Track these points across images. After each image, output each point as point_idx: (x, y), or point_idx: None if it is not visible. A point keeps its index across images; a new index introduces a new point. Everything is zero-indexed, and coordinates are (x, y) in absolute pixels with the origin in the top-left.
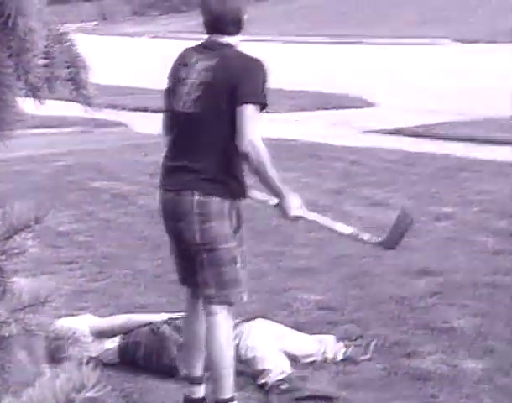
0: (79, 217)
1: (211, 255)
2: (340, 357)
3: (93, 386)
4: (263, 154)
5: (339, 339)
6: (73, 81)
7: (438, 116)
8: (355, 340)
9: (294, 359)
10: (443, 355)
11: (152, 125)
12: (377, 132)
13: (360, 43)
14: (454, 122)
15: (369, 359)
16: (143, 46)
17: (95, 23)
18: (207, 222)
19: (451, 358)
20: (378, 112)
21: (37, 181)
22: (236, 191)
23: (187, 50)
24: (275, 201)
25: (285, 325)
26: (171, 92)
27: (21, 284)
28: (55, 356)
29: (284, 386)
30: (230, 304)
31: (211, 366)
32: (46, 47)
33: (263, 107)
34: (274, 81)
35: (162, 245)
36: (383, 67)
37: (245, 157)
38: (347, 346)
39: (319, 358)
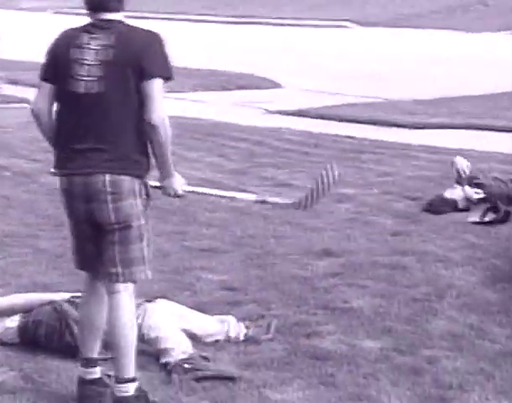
0: None
1: (123, 233)
2: (241, 337)
3: None
4: (169, 129)
5: (241, 319)
6: None
7: (341, 98)
8: (256, 320)
9: (196, 339)
10: (342, 335)
11: None
12: (281, 112)
13: (265, 23)
14: (356, 104)
15: (271, 339)
16: (46, 21)
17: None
18: (120, 200)
19: (351, 338)
20: (282, 92)
21: None
22: (146, 168)
23: (73, 30)
24: (157, 183)
25: (188, 305)
26: (63, 74)
27: None
28: None
29: (186, 365)
30: (134, 282)
31: (113, 345)
32: None
33: (168, 79)
34: (179, 60)
35: (64, 224)
36: (287, 48)
37: (153, 131)
38: (248, 327)
39: (221, 337)
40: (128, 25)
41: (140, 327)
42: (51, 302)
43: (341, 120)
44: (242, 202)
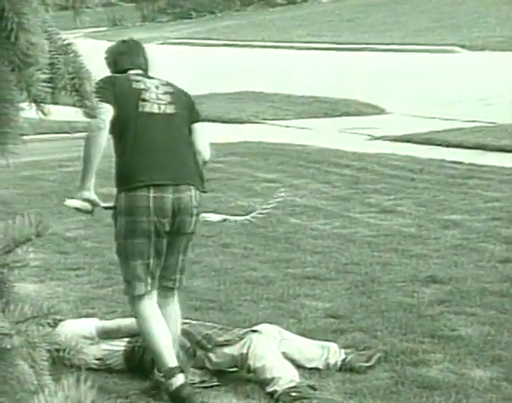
0: (86, 223)
1: (188, 241)
2: (339, 363)
3: None
4: None
5: (346, 347)
6: (77, 92)
7: (447, 123)
8: (361, 350)
9: (296, 363)
10: (450, 364)
11: None
12: (386, 138)
13: (369, 49)
14: (463, 128)
15: (370, 367)
16: (153, 52)
17: (105, 28)
18: (197, 214)
19: (459, 367)
20: (387, 118)
21: (44, 187)
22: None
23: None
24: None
25: (293, 332)
26: (131, 99)
27: (28, 290)
28: (58, 367)
29: (293, 394)
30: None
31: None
32: (50, 58)
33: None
34: (284, 87)
35: None
36: (392, 74)
37: (205, 164)
38: (347, 353)
39: (321, 363)
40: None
41: (246, 357)
42: None
43: (447, 145)
44: (345, 229)
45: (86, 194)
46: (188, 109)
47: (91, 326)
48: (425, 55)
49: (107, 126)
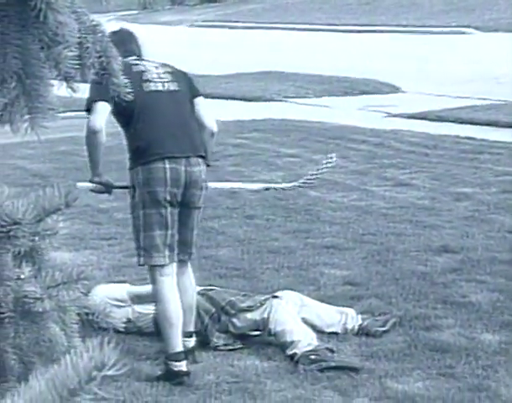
0: (118, 196)
1: (198, 215)
2: (357, 328)
3: (113, 365)
4: None
5: (362, 313)
6: (105, 70)
7: (460, 101)
8: (378, 315)
9: (316, 328)
10: (461, 328)
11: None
12: (402, 116)
13: (386, 31)
14: (476, 106)
15: (386, 331)
16: (182, 34)
17: (136, 11)
18: (206, 187)
19: (469, 331)
20: (403, 96)
21: (78, 161)
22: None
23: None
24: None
25: (312, 299)
26: (134, 83)
27: (64, 258)
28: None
29: (312, 356)
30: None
31: (190, 309)
32: (79, 37)
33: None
34: (305, 68)
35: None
36: (408, 54)
37: (213, 135)
38: (364, 318)
39: (339, 328)
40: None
41: (267, 321)
42: None
43: (461, 122)
44: (362, 201)
45: (96, 178)
46: (188, 86)
47: (123, 290)
48: (440, 36)
49: (103, 124)
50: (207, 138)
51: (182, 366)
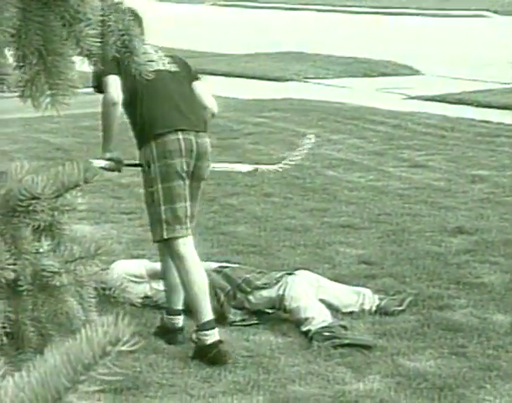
0: (138, 171)
1: (201, 187)
2: (374, 308)
3: (127, 341)
4: None
5: (377, 292)
6: (126, 48)
7: (477, 84)
8: (392, 295)
9: (333, 309)
10: (473, 309)
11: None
12: (420, 98)
13: (407, 14)
14: (492, 90)
15: (402, 311)
16: (203, 13)
17: None
18: (210, 160)
19: (481, 312)
20: (421, 79)
21: (101, 137)
22: None
23: None
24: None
25: (327, 277)
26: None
27: (84, 231)
28: (105, 304)
29: (326, 333)
30: None
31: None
32: (102, 15)
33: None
34: (325, 48)
35: (215, 199)
36: (428, 37)
37: (213, 117)
38: (381, 298)
39: (356, 308)
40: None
41: (283, 298)
42: None
43: (477, 105)
44: (379, 182)
45: (108, 155)
46: (186, 70)
47: (141, 266)
48: (459, 20)
49: (120, 97)
50: (207, 118)
51: (215, 335)
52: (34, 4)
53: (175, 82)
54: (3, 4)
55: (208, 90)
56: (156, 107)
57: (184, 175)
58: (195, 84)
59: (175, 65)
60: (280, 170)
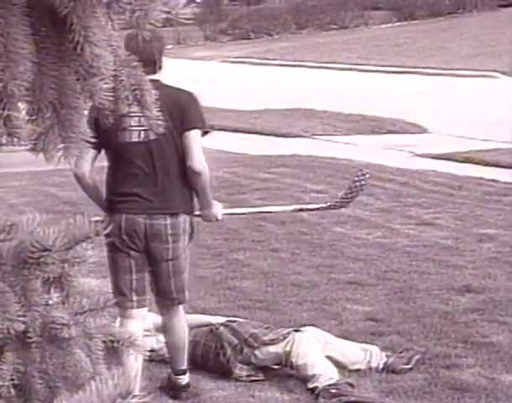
0: None
1: (176, 265)
2: (381, 366)
3: (137, 394)
4: (208, 171)
5: (384, 349)
6: (138, 103)
7: (485, 143)
8: (400, 353)
9: (341, 366)
10: (481, 368)
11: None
12: (428, 156)
13: (415, 73)
14: (500, 149)
15: (410, 369)
16: (213, 69)
17: (170, 46)
18: (177, 240)
19: (489, 372)
20: (429, 137)
21: None
22: (192, 205)
23: None
24: (198, 212)
25: (334, 333)
26: (113, 129)
27: (92, 284)
28: (113, 358)
29: (332, 390)
30: (185, 302)
31: (178, 349)
32: (114, 70)
33: (205, 133)
34: (333, 106)
35: (222, 254)
36: (436, 96)
37: (197, 175)
38: (388, 356)
39: (363, 366)
40: (166, 84)
41: (289, 354)
42: (208, 325)
43: (485, 164)
44: (386, 239)
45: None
46: (179, 118)
47: (148, 319)
48: (467, 80)
49: (88, 170)
50: (194, 179)
51: (186, 378)
52: (50, 59)
53: (148, 155)
54: (19, 59)
55: (198, 141)
56: (114, 188)
57: (126, 249)
58: (186, 134)
59: (163, 126)
60: (325, 205)
